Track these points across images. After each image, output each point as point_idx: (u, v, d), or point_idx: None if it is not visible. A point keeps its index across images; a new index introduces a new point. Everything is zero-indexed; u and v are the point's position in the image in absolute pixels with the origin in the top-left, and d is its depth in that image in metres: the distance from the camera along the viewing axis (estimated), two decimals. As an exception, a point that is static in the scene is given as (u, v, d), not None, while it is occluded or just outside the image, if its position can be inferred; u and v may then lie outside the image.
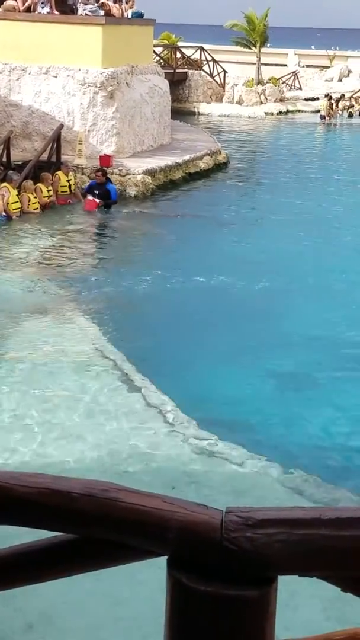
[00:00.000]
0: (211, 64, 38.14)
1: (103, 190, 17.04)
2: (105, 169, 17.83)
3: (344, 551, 1.23)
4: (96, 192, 17.00)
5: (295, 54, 48.15)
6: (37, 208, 16.44)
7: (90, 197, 16.98)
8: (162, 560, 1.27)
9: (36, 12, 20.37)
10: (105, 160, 18.81)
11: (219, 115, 35.96)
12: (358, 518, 1.23)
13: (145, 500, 1.25)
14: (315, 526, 1.23)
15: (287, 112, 38.60)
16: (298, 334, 10.62)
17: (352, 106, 39.96)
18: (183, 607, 1.23)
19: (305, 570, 1.26)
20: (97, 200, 16.93)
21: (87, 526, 1.26)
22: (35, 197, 16.47)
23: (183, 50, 37.48)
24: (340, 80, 46.41)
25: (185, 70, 36.82)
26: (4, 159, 17.84)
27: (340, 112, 38.92)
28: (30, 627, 5.10)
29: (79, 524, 1.26)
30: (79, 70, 19.57)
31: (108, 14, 20.24)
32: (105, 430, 7.69)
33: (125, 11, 21.46)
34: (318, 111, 37.87)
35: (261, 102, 38.28)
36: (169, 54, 36.12)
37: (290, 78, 44.94)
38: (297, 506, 1.29)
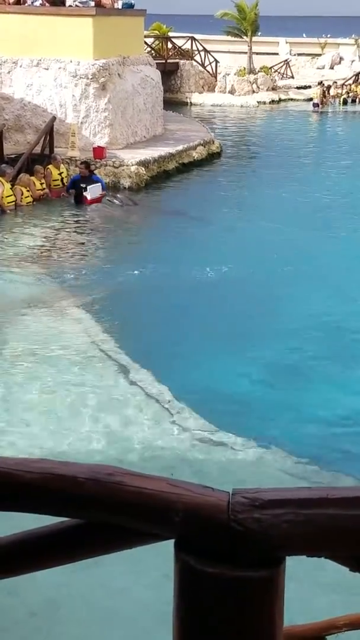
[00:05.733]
0: (202, 53, 38.03)
1: (89, 183, 16.65)
2: (88, 161, 17.59)
3: (352, 531, 1.22)
4: (82, 185, 16.56)
5: (287, 43, 47.95)
6: (30, 202, 16.39)
7: (90, 194, 16.53)
8: (166, 546, 1.27)
9: (27, 4, 20.28)
10: (99, 151, 18.76)
11: (212, 105, 35.89)
12: (365, 497, 1.22)
13: (151, 483, 1.25)
14: (323, 506, 1.22)
15: (280, 100, 38.52)
16: (297, 321, 10.63)
17: (347, 93, 39.80)
18: (191, 590, 1.23)
19: (313, 551, 1.26)
20: (103, 192, 16.73)
21: (93, 510, 1.26)
22: (28, 191, 16.42)
23: (174, 40, 37.33)
24: (332, 67, 46.31)
25: (177, 60, 36.71)
26: (-3, 152, 17.78)
27: (332, 99, 38.82)
28: (34, 615, 5.11)
29: (84, 508, 1.26)
30: (70, 62, 19.50)
31: (98, 4, 20.15)
32: (103, 420, 7.69)
33: (116, 2, 21.36)
34: (311, 99, 37.75)
35: (253, 91, 38.20)
36: (160, 44, 35.99)
37: (282, 67, 44.81)
38: (303, 486, 1.29)
